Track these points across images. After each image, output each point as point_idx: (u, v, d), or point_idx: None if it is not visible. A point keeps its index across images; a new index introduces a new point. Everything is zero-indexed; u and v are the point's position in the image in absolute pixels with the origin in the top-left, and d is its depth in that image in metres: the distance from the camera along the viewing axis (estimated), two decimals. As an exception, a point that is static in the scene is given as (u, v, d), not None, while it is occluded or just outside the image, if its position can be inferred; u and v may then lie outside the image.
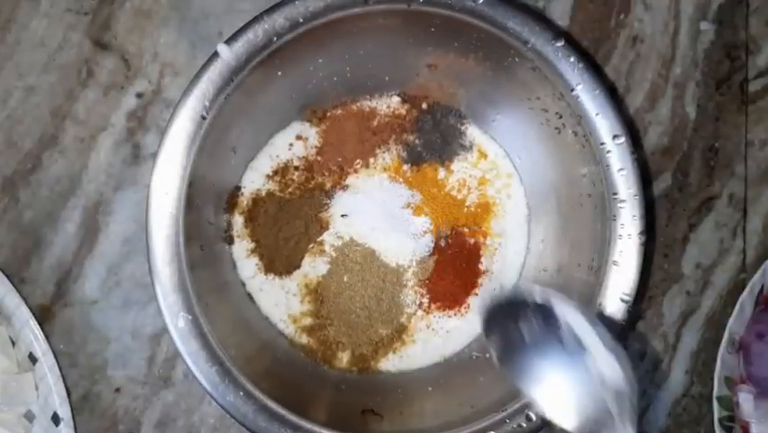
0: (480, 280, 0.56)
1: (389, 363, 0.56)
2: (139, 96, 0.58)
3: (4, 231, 0.57)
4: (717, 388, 0.56)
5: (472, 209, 0.57)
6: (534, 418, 0.47)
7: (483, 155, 0.57)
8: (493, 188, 0.57)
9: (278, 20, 0.46)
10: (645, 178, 0.59)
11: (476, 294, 0.56)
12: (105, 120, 0.58)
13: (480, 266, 0.56)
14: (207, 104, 0.46)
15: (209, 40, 0.58)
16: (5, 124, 0.58)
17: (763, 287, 0.58)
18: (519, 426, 0.47)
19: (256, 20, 0.46)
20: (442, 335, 0.56)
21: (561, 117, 0.52)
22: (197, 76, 0.46)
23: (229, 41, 0.47)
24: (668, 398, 0.59)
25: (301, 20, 0.47)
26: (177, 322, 0.46)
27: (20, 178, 0.57)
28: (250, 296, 0.55)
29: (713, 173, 0.61)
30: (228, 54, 0.46)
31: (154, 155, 0.56)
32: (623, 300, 0.48)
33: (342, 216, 0.56)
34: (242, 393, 0.46)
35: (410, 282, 0.56)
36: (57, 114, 0.58)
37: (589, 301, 0.49)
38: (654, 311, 0.60)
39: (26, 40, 0.58)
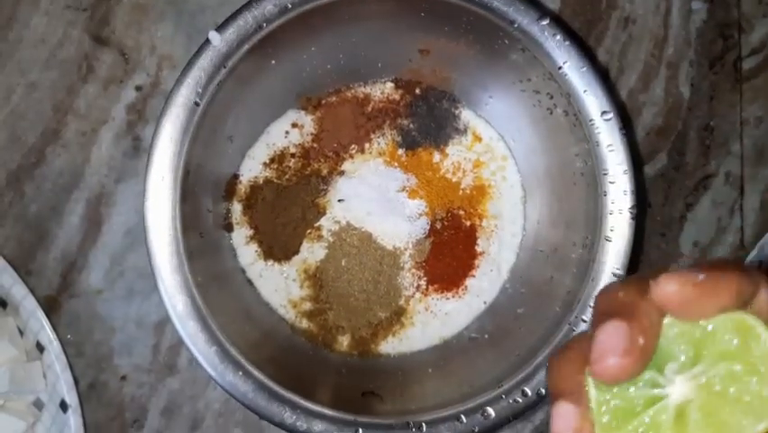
0: (476, 262, 0.57)
1: (389, 346, 0.56)
2: (138, 89, 0.59)
3: (11, 224, 0.58)
4: None
5: (468, 192, 0.57)
6: (529, 393, 0.47)
7: (477, 138, 0.58)
8: (488, 171, 0.58)
9: (268, 6, 0.47)
10: (639, 158, 0.60)
11: (473, 276, 0.57)
12: (105, 114, 0.59)
13: (476, 248, 0.57)
14: (200, 90, 0.47)
15: (206, 32, 0.58)
16: (9, 120, 0.59)
17: (761, 263, 0.58)
18: (515, 401, 0.47)
19: (246, 6, 0.47)
20: (440, 317, 0.57)
21: (552, 98, 0.53)
22: (189, 64, 0.47)
23: (220, 29, 0.47)
24: None
25: (290, 5, 0.47)
26: (176, 306, 0.46)
27: (24, 172, 0.59)
28: (250, 282, 0.56)
29: (709, 152, 0.62)
30: (219, 41, 0.47)
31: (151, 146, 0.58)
32: (615, 275, 0.48)
33: (339, 200, 0.56)
34: (241, 373, 0.47)
35: (407, 265, 0.56)
36: (59, 108, 0.59)
37: (583, 278, 0.49)
38: None
39: (27, 37, 0.59)
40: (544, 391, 0.47)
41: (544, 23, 0.48)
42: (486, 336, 0.56)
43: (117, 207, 0.59)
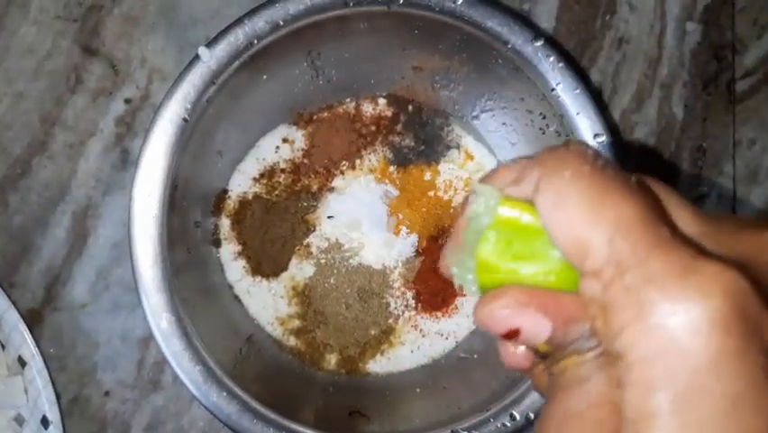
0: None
1: (377, 365, 0.56)
2: (127, 101, 0.59)
3: (-6, 236, 0.58)
4: None
5: (459, 210, 0.57)
6: (518, 417, 0.47)
7: (470, 156, 0.57)
8: (479, 189, 0.57)
9: (259, 23, 0.47)
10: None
11: (463, 295, 0.56)
12: (93, 126, 0.58)
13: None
14: (189, 107, 0.47)
15: (197, 45, 0.57)
16: (-5, 131, 0.58)
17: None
18: (503, 425, 0.47)
19: (237, 23, 0.47)
20: (429, 336, 0.56)
21: (544, 118, 0.52)
22: (179, 79, 0.47)
23: (210, 44, 0.47)
24: None
25: (281, 22, 0.47)
26: (160, 323, 0.46)
27: (9, 183, 0.58)
28: (237, 299, 0.55)
29: (701, 173, 0.61)
30: (208, 57, 0.47)
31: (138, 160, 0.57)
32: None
33: (329, 217, 0.56)
34: (225, 393, 0.46)
35: (396, 284, 0.56)
36: (46, 120, 0.58)
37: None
38: None
39: (15, 46, 0.59)
40: (532, 415, 0.47)
41: (538, 44, 0.48)
42: (475, 355, 0.55)
43: (104, 219, 0.58)
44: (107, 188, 0.58)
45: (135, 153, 0.58)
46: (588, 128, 0.48)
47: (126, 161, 0.58)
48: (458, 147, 0.58)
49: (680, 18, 0.62)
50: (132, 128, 0.58)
